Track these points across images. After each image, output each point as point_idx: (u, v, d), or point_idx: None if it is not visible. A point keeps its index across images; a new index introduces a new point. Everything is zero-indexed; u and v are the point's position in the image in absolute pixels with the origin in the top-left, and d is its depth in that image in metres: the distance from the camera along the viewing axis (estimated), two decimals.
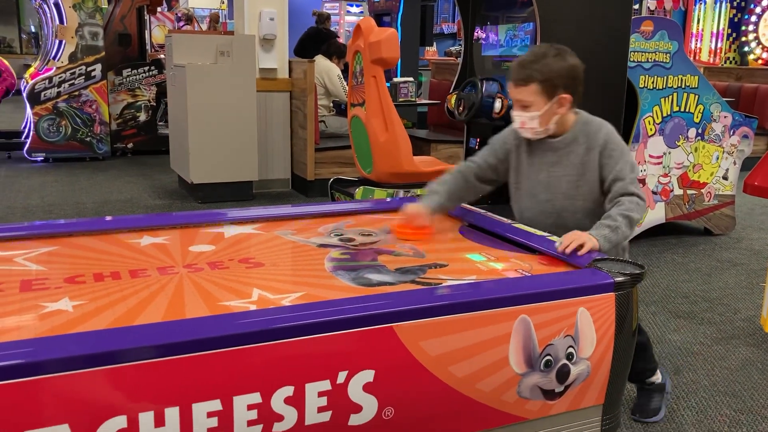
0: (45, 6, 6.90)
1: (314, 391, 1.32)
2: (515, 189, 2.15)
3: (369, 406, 1.37)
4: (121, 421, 1.19)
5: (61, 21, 6.75)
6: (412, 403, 1.42)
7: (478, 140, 4.29)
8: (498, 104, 3.88)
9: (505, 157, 2.14)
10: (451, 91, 4.51)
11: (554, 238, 1.94)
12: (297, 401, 1.31)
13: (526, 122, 1.98)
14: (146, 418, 1.20)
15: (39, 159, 6.89)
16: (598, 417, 1.68)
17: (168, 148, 6.24)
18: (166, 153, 6.46)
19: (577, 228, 1.85)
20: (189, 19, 10.88)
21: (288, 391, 1.30)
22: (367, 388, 1.36)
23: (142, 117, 7.38)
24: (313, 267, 1.78)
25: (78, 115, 6.88)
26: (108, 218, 2.16)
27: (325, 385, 1.33)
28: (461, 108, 4.22)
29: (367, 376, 1.36)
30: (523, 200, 2.12)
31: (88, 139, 6.98)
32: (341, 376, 1.34)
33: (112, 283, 1.60)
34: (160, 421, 1.21)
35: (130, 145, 7.40)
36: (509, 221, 2.11)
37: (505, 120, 3.94)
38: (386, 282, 1.65)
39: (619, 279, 1.62)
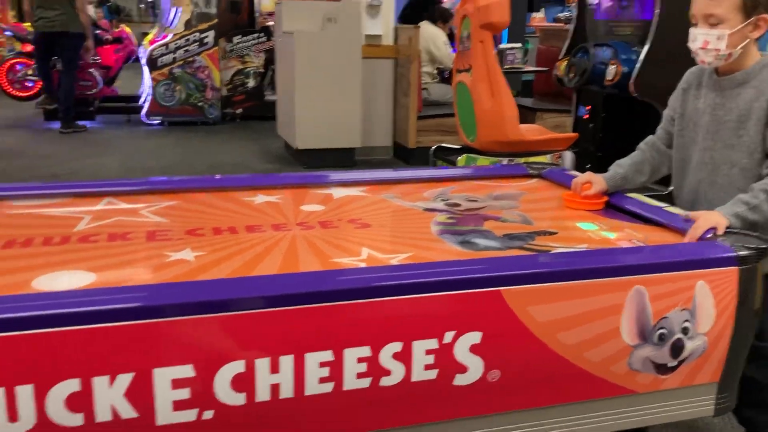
0: None
1: (422, 349, 1.34)
2: (678, 137, 1.94)
3: (475, 368, 1.37)
4: (239, 365, 1.25)
5: None
6: (519, 367, 1.41)
7: (588, 108, 4.15)
8: (612, 70, 3.72)
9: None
10: (560, 57, 4.37)
11: (673, 209, 1.85)
12: (405, 357, 1.33)
13: (710, 42, 1.72)
14: (262, 364, 1.26)
15: (155, 122, 7.27)
16: (713, 395, 1.61)
17: (274, 114, 6.42)
18: (272, 119, 6.65)
19: (729, 187, 1.72)
20: None
21: (396, 347, 1.32)
22: (474, 349, 1.36)
23: (251, 83, 7.62)
24: (420, 230, 1.79)
25: (191, 80, 7.19)
26: (225, 176, 2.25)
27: (433, 343, 1.34)
28: (572, 74, 4.09)
29: (474, 337, 1.36)
30: (684, 149, 1.92)
31: (200, 104, 7.29)
32: (448, 336, 1.35)
33: (230, 237, 1.68)
34: (275, 368, 1.27)
35: (239, 111, 7.66)
36: (623, 191, 2.04)
37: (618, 87, 3.78)
38: (493, 247, 1.64)
39: (743, 253, 1.53)
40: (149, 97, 7.19)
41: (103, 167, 5.54)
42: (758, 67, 1.76)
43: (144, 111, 7.28)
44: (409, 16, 6.43)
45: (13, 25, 8.43)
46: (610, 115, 4.09)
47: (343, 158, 5.61)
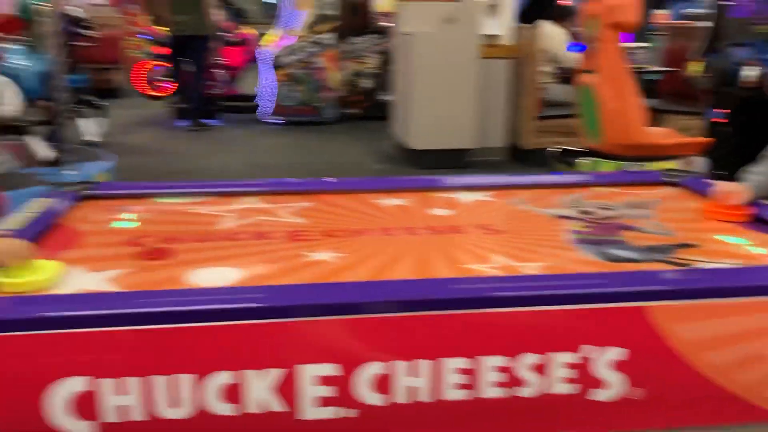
0: None
1: (560, 362, 1.32)
2: None
3: (615, 384, 1.34)
4: (378, 367, 1.28)
5: None
6: (663, 386, 1.36)
7: (723, 111, 3.92)
8: (751, 71, 3.49)
9: None
10: (692, 56, 4.15)
11: None
12: (542, 369, 1.32)
13: None
14: (401, 367, 1.29)
15: (276, 122, 7.54)
16: None
17: (387, 114, 6.49)
18: (385, 119, 6.73)
19: None
20: None
21: (534, 358, 1.32)
22: (614, 365, 1.33)
23: (366, 84, 7.74)
24: (553, 238, 1.76)
25: (310, 81, 7.39)
26: (352, 179, 2.31)
27: (571, 357, 1.32)
28: (706, 75, 3.88)
29: (615, 353, 1.33)
30: None
31: (317, 104, 7.49)
32: (588, 351, 1.32)
33: (364, 239, 1.73)
34: (413, 372, 1.29)
35: (354, 111, 7.80)
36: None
37: (758, 89, 3.54)
38: (632, 259, 1.59)
39: None
40: (272, 97, 7.47)
41: (229, 164, 5.82)
42: None
43: (265, 110, 7.56)
44: (528, 15, 6.31)
45: (148, 29, 9.00)
46: (747, 119, 3.84)
47: (456, 159, 5.58)
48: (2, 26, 4.53)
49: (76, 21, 5.07)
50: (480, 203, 2.09)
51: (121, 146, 5.93)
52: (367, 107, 7.80)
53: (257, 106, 7.71)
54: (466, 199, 2.12)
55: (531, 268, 1.53)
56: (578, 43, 6.18)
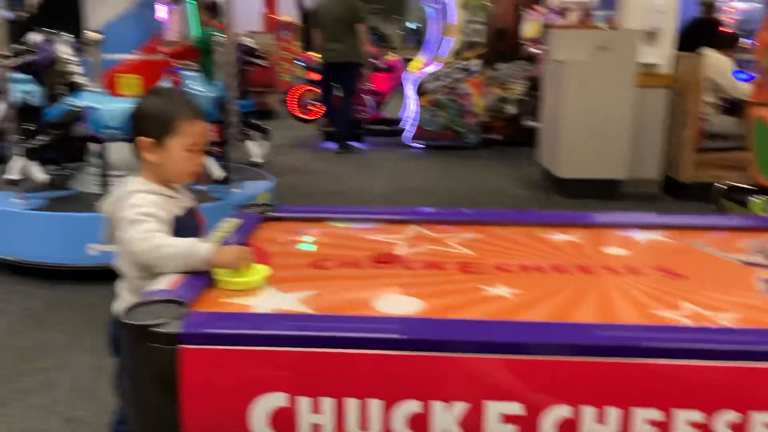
0: (435, 5, 7.61)
1: (763, 421, 1.24)
2: None
3: None
4: (565, 410, 1.26)
5: (450, 19, 7.38)
6: None
7: None
8: None
9: None
10: None
11: None
12: (742, 429, 1.24)
13: None
14: (588, 413, 1.26)
15: (419, 146, 7.68)
16: None
17: (530, 140, 6.41)
18: (527, 145, 6.66)
19: None
20: (561, 12, 10.92)
21: (732, 416, 1.24)
22: None
23: (511, 110, 7.70)
24: (743, 286, 1.66)
25: (454, 106, 7.47)
26: (519, 211, 2.31)
27: None
28: None
29: None
30: None
31: (460, 129, 7.55)
32: None
33: (539, 276, 1.71)
34: (600, 418, 1.26)
35: (497, 137, 7.78)
36: None
37: None
38: None
39: None
40: (415, 122, 7.62)
41: (373, 186, 5.99)
42: None
43: (409, 134, 7.72)
44: (689, 42, 6.03)
45: (302, 55, 9.50)
46: None
47: (604, 189, 5.42)
48: (180, 54, 4.97)
49: (249, 51, 5.47)
50: (657, 243, 2.01)
51: (275, 166, 6.30)
52: (510, 133, 7.76)
53: (401, 130, 7.89)
54: (640, 238, 2.04)
55: (725, 318, 1.45)
56: (743, 72, 5.83)
